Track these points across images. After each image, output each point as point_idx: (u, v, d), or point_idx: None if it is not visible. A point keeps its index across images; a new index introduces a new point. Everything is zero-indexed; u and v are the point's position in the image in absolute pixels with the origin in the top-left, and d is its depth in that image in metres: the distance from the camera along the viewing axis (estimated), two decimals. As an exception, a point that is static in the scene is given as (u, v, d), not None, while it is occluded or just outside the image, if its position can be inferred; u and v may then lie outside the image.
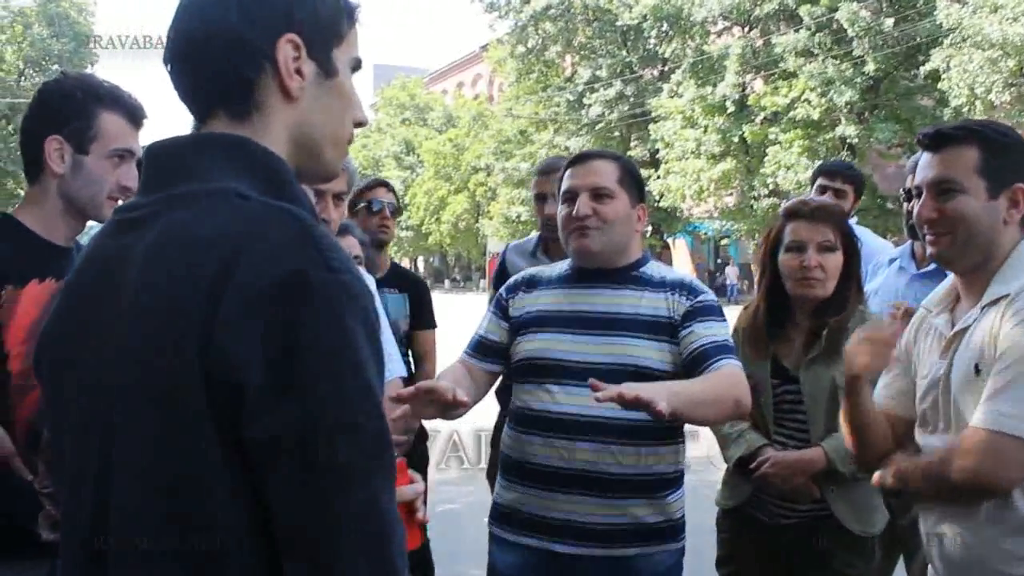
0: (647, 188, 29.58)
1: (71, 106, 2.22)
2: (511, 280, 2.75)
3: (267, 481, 1.06)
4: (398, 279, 4.16)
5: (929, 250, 2.10)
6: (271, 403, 1.04)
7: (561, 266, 2.70)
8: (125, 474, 1.12)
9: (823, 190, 4.27)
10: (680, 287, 2.53)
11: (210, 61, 1.21)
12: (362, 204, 4.10)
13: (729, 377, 2.37)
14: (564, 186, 2.59)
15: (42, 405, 1.42)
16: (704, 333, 2.43)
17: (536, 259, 3.78)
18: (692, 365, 2.41)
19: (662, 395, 2.06)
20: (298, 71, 1.23)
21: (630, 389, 2.05)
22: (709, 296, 2.55)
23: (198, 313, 1.06)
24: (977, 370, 1.93)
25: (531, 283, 2.67)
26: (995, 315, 1.94)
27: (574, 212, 2.51)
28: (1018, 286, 1.94)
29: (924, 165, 2.08)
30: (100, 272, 1.23)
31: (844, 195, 4.26)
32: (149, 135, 2.35)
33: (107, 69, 39.92)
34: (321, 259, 1.08)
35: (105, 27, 37.87)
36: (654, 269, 2.60)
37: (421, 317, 4.16)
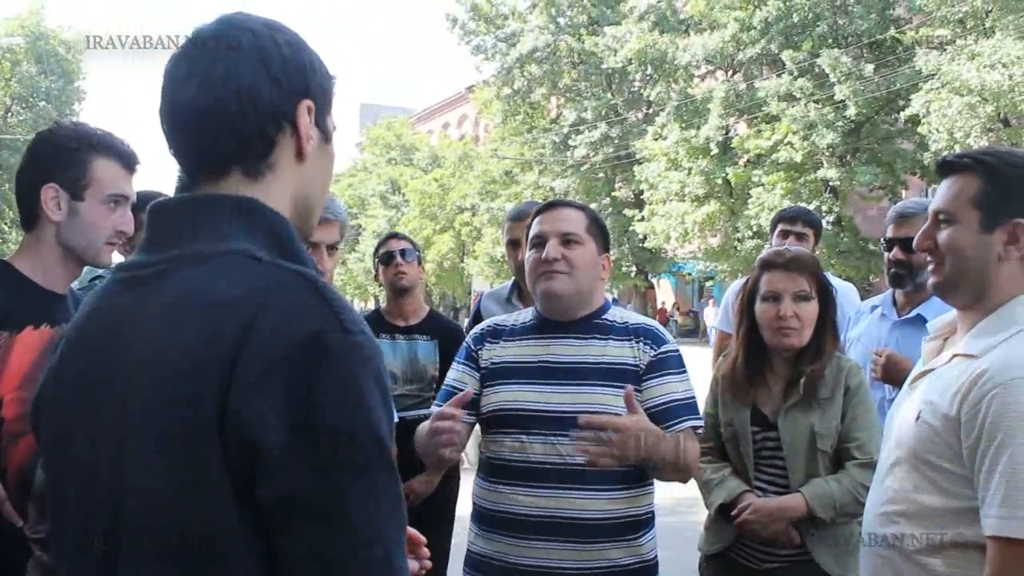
0: (632, 229, 29.89)
1: (65, 154, 2.26)
2: (475, 331, 2.77)
3: (281, 540, 1.07)
4: (431, 326, 4.32)
5: (928, 280, 2.03)
6: (288, 464, 1.05)
7: (525, 315, 2.73)
8: (136, 530, 1.12)
9: (785, 235, 4.39)
10: (645, 334, 2.58)
11: (238, 119, 1.22)
12: (378, 260, 4.36)
13: (689, 450, 2.46)
14: (533, 231, 2.63)
15: (38, 454, 1.43)
16: (666, 391, 2.50)
17: (511, 305, 3.81)
18: (652, 421, 2.43)
19: (630, 449, 2.25)
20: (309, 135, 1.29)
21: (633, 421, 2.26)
22: (672, 346, 2.60)
23: (215, 374, 1.07)
24: (918, 417, 1.90)
25: (496, 333, 2.70)
26: (960, 374, 1.84)
27: (543, 255, 2.55)
28: (984, 347, 1.85)
29: (936, 193, 2.02)
30: (106, 329, 1.23)
31: (805, 238, 4.39)
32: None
33: (106, 70, 40.00)
34: (336, 321, 1.11)
35: (105, 28, 37.73)
36: (617, 315, 2.65)
37: (450, 364, 4.24)
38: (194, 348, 1.10)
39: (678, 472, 2.45)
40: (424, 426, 2.46)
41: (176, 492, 1.10)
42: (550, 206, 2.68)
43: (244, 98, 1.22)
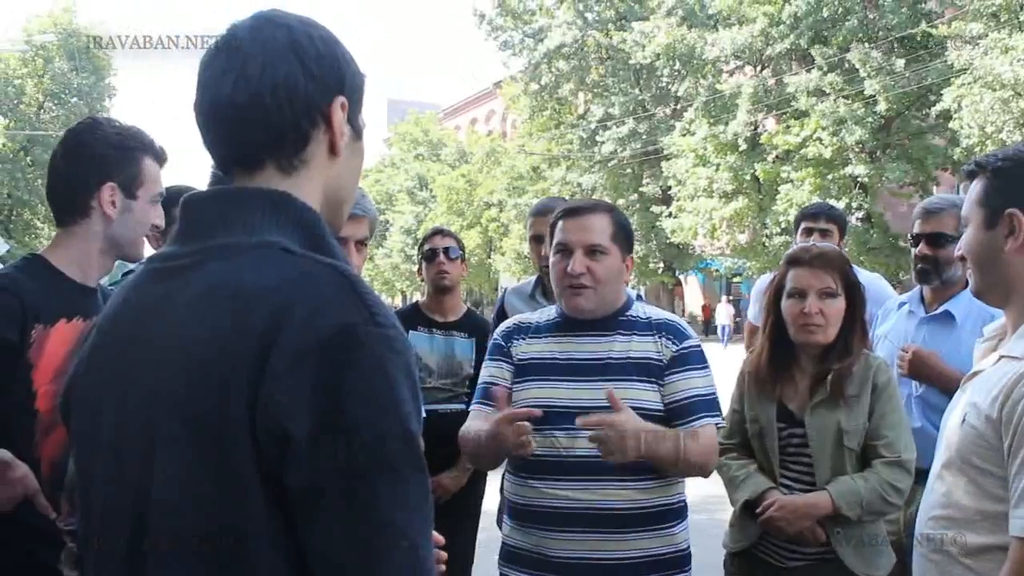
0: (659, 225, 29.79)
1: (121, 154, 2.34)
2: (502, 328, 2.80)
3: (308, 530, 1.08)
4: (469, 324, 4.33)
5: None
6: (317, 452, 1.06)
7: (549, 312, 2.76)
8: (164, 521, 1.14)
9: (808, 232, 4.37)
10: (667, 330, 2.61)
11: (274, 114, 1.24)
12: (422, 256, 4.35)
13: (702, 446, 2.49)
14: (558, 238, 2.63)
15: (68, 446, 1.46)
16: (687, 386, 2.52)
17: (535, 301, 3.81)
18: (673, 416, 2.51)
19: (630, 447, 2.32)
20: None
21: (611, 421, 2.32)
22: (693, 342, 2.63)
23: (246, 364, 1.09)
24: (963, 420, 1.89)
25: (522, 330, 2.73)
26: (1003, 375, 1.83)
27: (569, 268, 2.56)
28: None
29: None
30: (136, 319, 1.25)
31: (829, 234, 4.36)
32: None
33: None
34: (367, 314, 1.12)
35: (104, 28, 37.84)
36: (640, 310, 2.67)
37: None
38: (225, 338, 1.11)
39: (678, 468, 2.48)
40: (480, 429, 2.54)
41: (205, 483, 1.11)
42: (575, 211, 2.65)
43: (280, 93, 1.24)
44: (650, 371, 2.54)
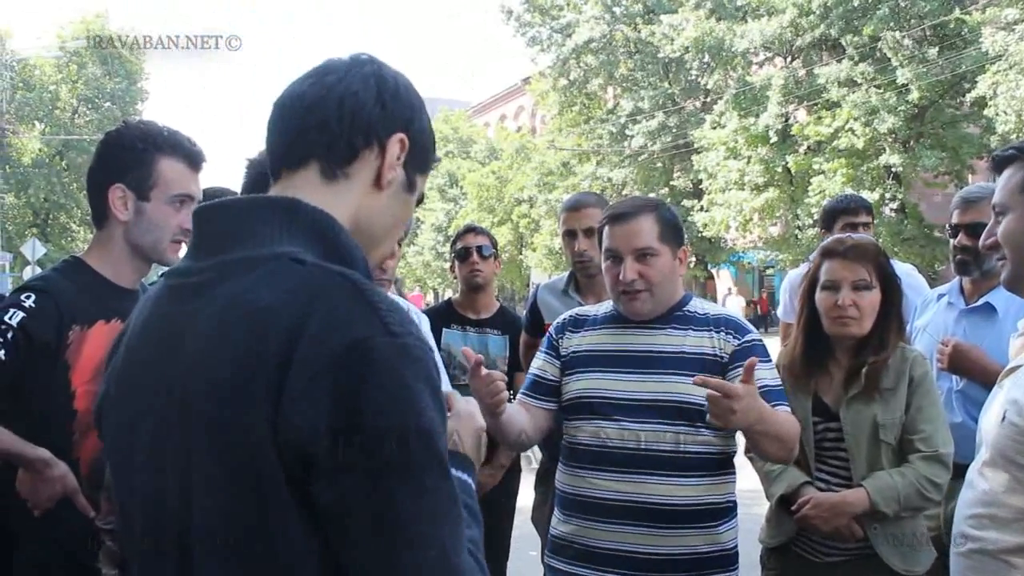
0: (691, 219, 29.66)
1: (131, 155, 2.32)
2: (559, 320, 2.81)
3: (338, 542, 1.09)
4: (502, 321, 4.36)
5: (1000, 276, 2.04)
6: (340, 468, 1.07)
7: (606, 306, 2.76)
8: (204, 535, 1.15)
9: (852, 228, 4.20)
10: (725, 325, 2.59)
11: (333, 121, 1.29)
12: (455, 254, 4.39)
13: (795, 426, 2.48)
14: (606, 244, 2.62)
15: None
16: (756, 377, 2.45)
17: (567, 296, 3.82)
18: None
19: (745, 415, 2.24)
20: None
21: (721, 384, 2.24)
22: (755, 336, 2.59)
23: (266, 385, 1.09)
24: (1003, 418, 1.86)
25: (577, 323, 2.74)
26: None
27: (621, 276, 2.55)
28: None
29: None
30: (159, 338, 1.26)
31: (868, 227, 4.30)
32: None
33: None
34: (381, 324, 1.12)
35: (133, 32, 38.18)
36: (697, 306, 2.66)
37: (519, 358, 4.25)
38: (244, 360, 1.12)
39: (778, 444, 2.44)
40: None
41: (240, 499, 1.12)
42: (620, 217, 2.62)
43: (345, 106, 1.29)
44: (704, 366, 2.50)
